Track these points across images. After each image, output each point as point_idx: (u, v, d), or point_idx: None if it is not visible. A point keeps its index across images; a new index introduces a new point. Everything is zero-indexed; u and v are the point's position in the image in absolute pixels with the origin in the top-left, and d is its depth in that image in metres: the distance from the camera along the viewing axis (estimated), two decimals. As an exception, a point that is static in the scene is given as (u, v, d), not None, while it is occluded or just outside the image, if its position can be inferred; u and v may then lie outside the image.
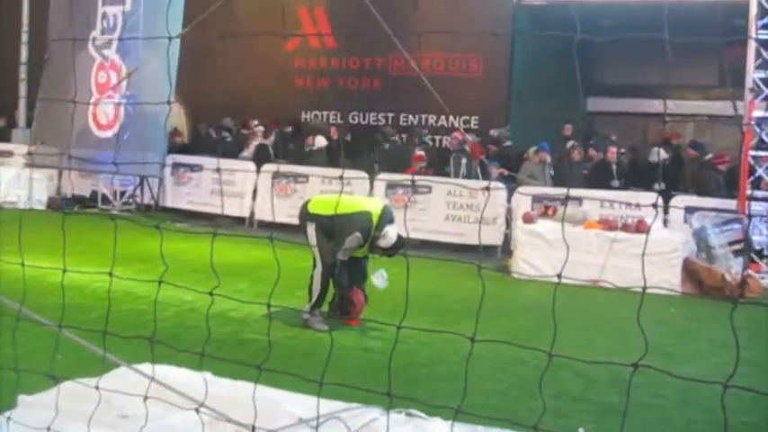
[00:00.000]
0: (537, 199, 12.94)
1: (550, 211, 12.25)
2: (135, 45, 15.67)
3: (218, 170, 14.99)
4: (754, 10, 11.94)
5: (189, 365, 3.48)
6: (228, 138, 17.58)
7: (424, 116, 18.38)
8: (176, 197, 16.47)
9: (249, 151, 16.99)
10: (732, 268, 11.08)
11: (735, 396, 5.22)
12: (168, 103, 3.70)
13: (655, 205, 2.97)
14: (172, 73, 15.51)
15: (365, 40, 18.10)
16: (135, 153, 14.92)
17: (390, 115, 19.08)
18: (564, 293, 8.65)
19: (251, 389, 3.13)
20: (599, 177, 14.19)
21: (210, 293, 2.73)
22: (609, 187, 13.75)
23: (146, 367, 2.92)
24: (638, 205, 11.91)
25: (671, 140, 15.74)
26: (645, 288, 1.57)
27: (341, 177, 14.13)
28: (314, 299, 7.67)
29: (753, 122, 12.12)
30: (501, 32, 17.14)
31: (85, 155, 15.26)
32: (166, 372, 2.46)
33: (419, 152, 15.07)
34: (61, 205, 16.38)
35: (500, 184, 13.39)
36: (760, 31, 11.98)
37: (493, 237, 13.23)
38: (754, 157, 12.16)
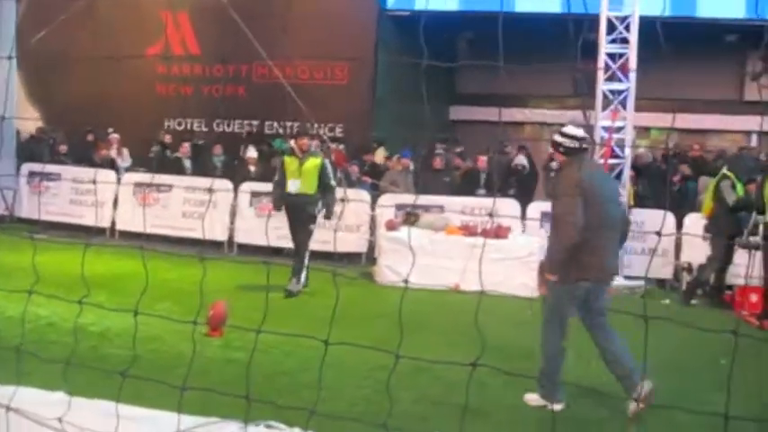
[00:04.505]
0: (399, 206, 13.14)
1: (413, 218, 12.47)
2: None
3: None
4: (603, 25, 12.54)
5: (41, 385, 3.41)
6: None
7: (288, 124, 18.35)
8: (33, 208, 15.84)
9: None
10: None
11: (586, 393, 5.46)
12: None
13: (491, 215, 3.12)
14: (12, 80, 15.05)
15: (229, 47, 17.94)
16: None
17: (255, 123, 18.99)
18: (427, 299, 8.88)
19: (107, 407, 3.10)
20: (467, 185, 14.47)
21: (80, 302, 2.70)
22: (475, 195, 14.03)
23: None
24: (490, 215, 12.20)
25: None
26: (482, 291, 1.65)
27: (210, 189, 14.04)
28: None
29: (607, 132, 12.70)
30: (359, 57, 17.41)
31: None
32: (12, 393, 2.40)
33: None
34: None
35: (364, 193, 13.54)
36: (608, 45, 12.60)
37: (357, 244, 13.39)
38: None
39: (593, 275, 5.96)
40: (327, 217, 10.60)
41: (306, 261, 10.45)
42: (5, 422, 2.25)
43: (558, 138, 6.12)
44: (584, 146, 6.12)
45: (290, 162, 10.48)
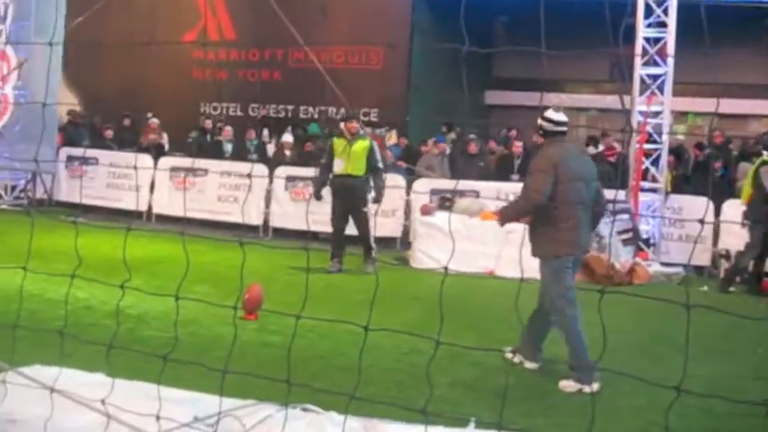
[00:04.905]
0: (434, 191, 13.11)
1: (448, 203, 12.44)
2: (26, 35, 15.22)
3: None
4: (641, 9, 12.39)
5: (81, 366, 3.45)
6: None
7: (323, 108, 18.40)
8: (71, 191, 16.04)
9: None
10: (621, 256, 11.52)
11: (624, 380, 5.45)
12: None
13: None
14: (57, 64, 15.23)
15: (265, 32, 17.98)
16: (27, 146, 14.49)
17: (290, 107, 19.03)
18: (463, 284, 8.80)
19: (147, 389, 3.13)
20: (502, 170, 14.36)
21: (122, 287, 2.73)
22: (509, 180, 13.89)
23: (34, 370, 2.88)
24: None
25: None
26: (522, 279, 1.67)
27: (249, 175, 14.10)
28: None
29: (643, 117, 12.56)
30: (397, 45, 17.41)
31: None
32: (56, 374, 2.44)
33: None
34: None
35: (399, 178, 13.53)
36: (646, 30, 12.44)
37: (392, 229, 13.39)
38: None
39: (573, 250, 6.42)
40: (377, 200, 10.83)
41: (372, 243, 10.95)
42: (50, 403, 2.29)
43: (540, 121, 6.58)
44: (563, 129, 6.53)
45: (339, 143, 10.77)
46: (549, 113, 6.56)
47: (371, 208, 10.90)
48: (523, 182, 6.78)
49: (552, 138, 6.52)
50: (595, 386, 6.00)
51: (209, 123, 17.33)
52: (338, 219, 10.84)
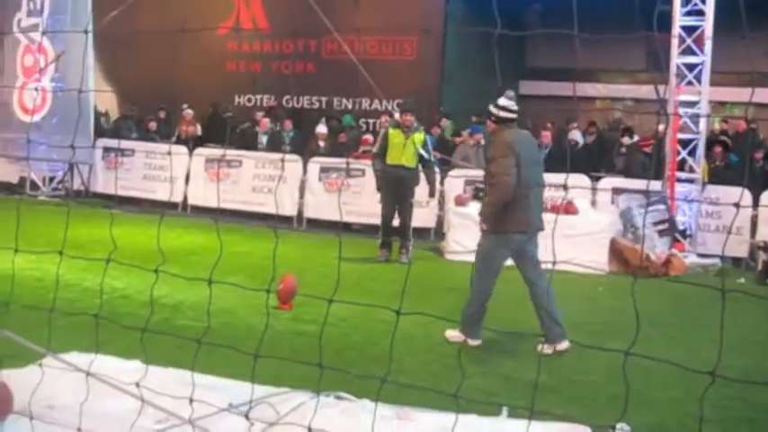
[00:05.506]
0: (469, 182, 13.05)
1: (482, 194, 12.39)
2: (63, 27, 15.38)
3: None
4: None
5: (117, 354, 3.49)
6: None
7: (357, 99, 18.40)
8: (107, 183, 16.18)
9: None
10: (656, 247, 11.41)
11: (660, 371, 5.41)
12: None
13: (565, 186, 3.08)
14: (89, 56, 15.39)
15: (298, 23, 17.99)
16: (64, 138, 14.66)
17: (324, 99, 19.05)
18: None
19: (181, 375, 3.16)
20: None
21: (155, 271, 2.78)
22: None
23: (72, 356, 2.92)
24: (564, 187, 12.07)
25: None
26: (554, 262, 1.66)
27: (282, 160, 14.14)
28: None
29: (674, 106, 12.41)
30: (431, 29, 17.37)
31: (12, 140, 15.09)
32: (92, 360, 2.48)
33: (366, 136, 15.15)
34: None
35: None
36: (683, 18, 12.26)
37: (426, 219, 13.34)
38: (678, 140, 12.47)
39: (523, 228, 6.71)
40: (432, 194, 11.39)
41: (411, 233, 11.15)
42: (85, 386, 2.32)
43: (492, 109, 6.90)
44: (513, 117, 6.84)
45: (396, 135, 10.80)
46: (501, 101, 6.85)
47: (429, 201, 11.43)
48: (486, 176, 6.96)
49: (504, 124, 6.81)
50: (474, 342, 6.78)
51: (259, 115, 17.36)
52: (388, 207, 11.05)
